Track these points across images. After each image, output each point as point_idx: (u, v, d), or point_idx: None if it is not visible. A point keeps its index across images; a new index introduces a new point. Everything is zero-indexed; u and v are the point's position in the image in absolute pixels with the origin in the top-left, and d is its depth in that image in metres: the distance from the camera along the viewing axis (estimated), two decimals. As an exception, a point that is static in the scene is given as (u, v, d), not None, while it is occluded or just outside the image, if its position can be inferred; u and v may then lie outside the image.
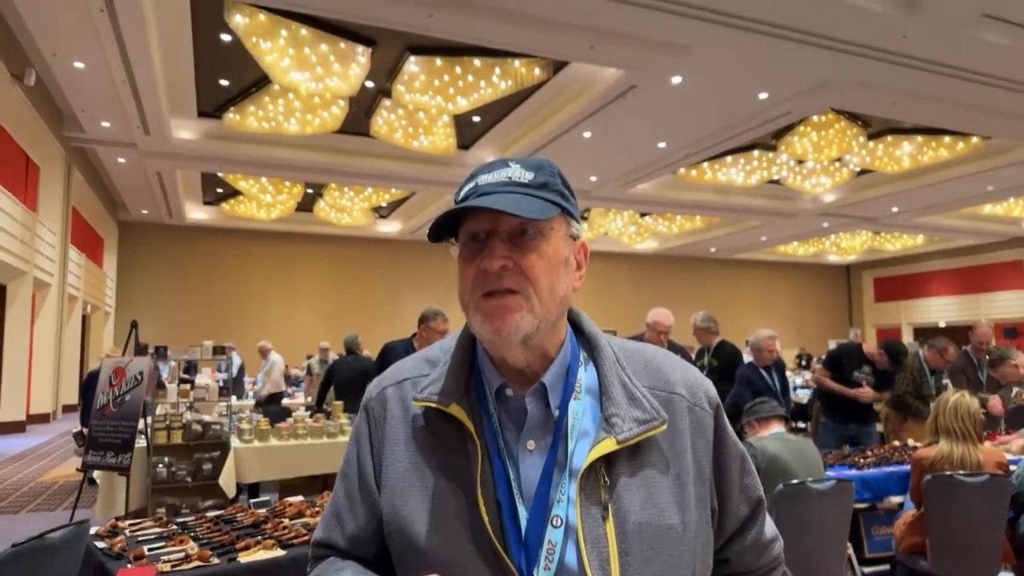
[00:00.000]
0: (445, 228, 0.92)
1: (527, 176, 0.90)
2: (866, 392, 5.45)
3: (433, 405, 0.91)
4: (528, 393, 0.90)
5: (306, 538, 2.59)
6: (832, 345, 18.63)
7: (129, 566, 2.31)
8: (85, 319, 17.96)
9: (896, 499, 4.16)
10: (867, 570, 3.88)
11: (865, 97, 9.67)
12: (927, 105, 9.92)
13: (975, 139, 12.32)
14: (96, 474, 5.52)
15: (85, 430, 5.74)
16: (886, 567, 3.89)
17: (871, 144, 12.32)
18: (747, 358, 5.98)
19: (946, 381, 6.16)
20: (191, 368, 11.20)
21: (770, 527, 1.04)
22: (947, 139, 12.33)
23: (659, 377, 0.94)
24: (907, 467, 3.94)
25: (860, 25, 7.69)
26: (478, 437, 0.88)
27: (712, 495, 0.94)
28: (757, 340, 5.49)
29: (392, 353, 4.79)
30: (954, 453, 3.35)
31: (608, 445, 0.85)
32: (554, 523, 0.85)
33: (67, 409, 15.13)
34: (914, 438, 5.27)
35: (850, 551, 3.44)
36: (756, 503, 1.01)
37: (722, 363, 5.76)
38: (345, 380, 6.79)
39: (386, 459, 0.95)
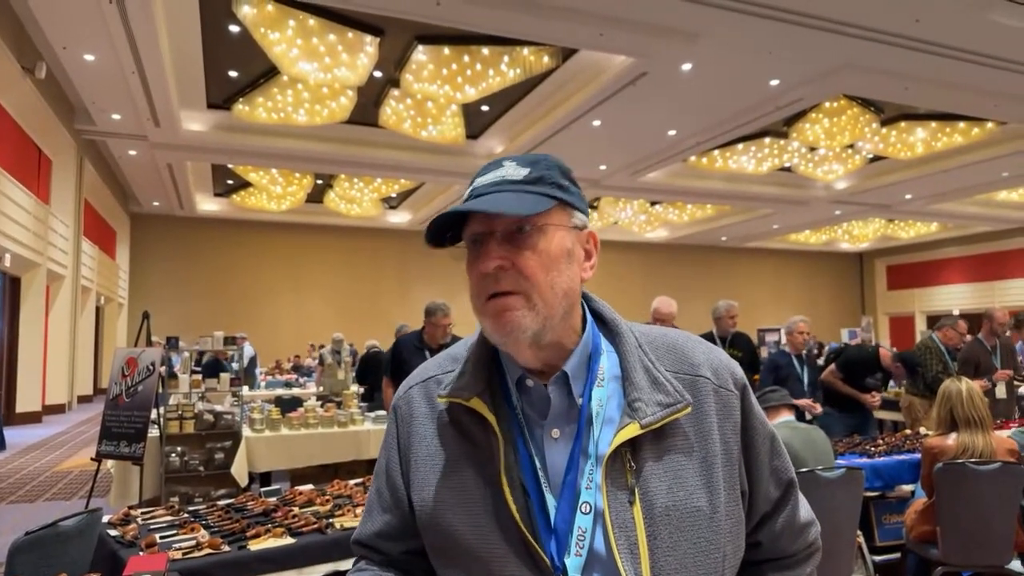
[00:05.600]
0: (446, 234, 0.92)
1: (521, 172, 0.90)
2: (876, 401, 5.55)
3: (455, 400, 0.92)
4: (551, 382, 0.91)
5: (315, 526, 2.61)
6: (844, 334, 18.52)
7: (141, 553, 2.33)
8: (99, 311, 18.13)
9: (907, 487, 4.14)
10: (877, 558, 3.86)
11: (878, 83, 9.56)
12: (941, 90, 9.80)
13: (990, 124, 12.16)
14: (110, 464, 5.58)
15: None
16: (897, 555, 3.87)
17: (884, 130, 12.18)
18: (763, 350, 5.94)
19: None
20: (203, 359, 11.26)
21: (805, 511, 1.03)
22: (961, 125, 12.18)
23: (683, 360, 0.94)
24: (918, 455, 3.92)
25: (872, 9, 7.59)
26: (500, 429, 0.89)
27: (742, 477, 0.93)
28: (789, 325, 5.53)
29: (402, 346, 4.87)
30: (977, 443, 3.31)
31: (632, 430, 0.85)
32: (583, 510, 0.85)
33: (82, 400, 15.30)
34: None
35: (860, 539, 3.42)
36: (787, 485, 0.99)
37: (747, 354, 5.69)
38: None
39: (414, 455, 0.96)
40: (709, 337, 5.78)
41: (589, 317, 0.96)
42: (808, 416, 5.18)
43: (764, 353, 10.47)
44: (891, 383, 7.33)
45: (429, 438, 0.95)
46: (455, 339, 4.78)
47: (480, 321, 0.90)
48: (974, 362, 6.02)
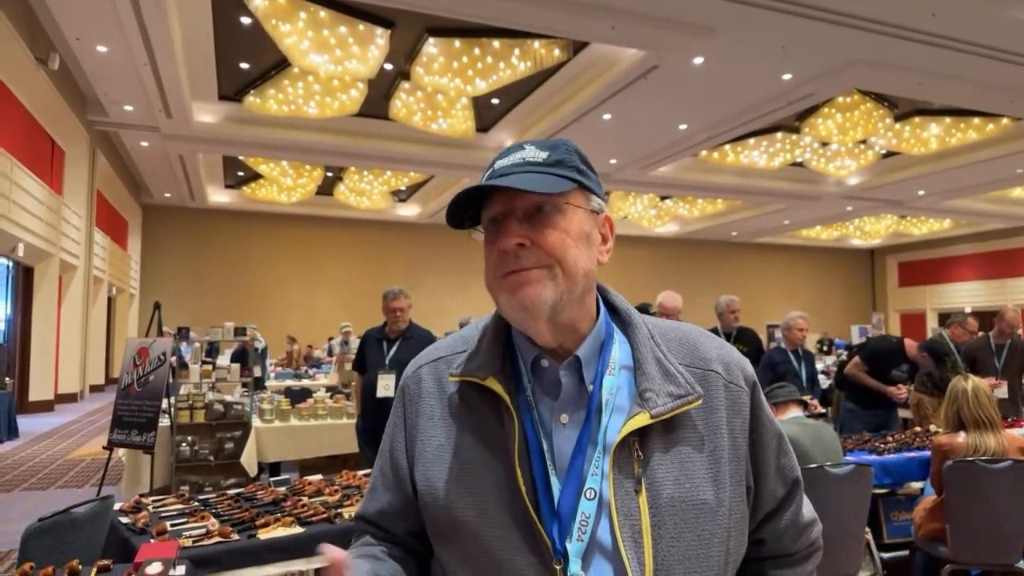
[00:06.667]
0: (465, 215, 0.93)
1: (541, 155, 0.90)
2: (902, 394, 5.32)
3: (470, 379, 0.92)
4: (563, 366, 0.91)
5: (324, 516, 2.62)
6: (855, 331, 18.39)
7: (152, 541, 2.36)
8: (110, 301, 18.26)
9: (916, 485, 4.12)
10: (886, 555, 3.85)
11: (892, 77, 9.47)
12: (956, 85, 9.70)
13: (1005, 120, 12.03)
14: (121, 452, 5.64)
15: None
16: (905, 553, 3.86)
17: (897, 126, 12.09)
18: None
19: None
20: (213, 350, 11.35)
21: (808, 510, 1.04)
22: (976, 120, 12.07)
23: (695, 354, 0.94)
24: (928, 453, 3.90)
25: (887, 4, 7.52)
26: (515, 409, 0.89)
27: (748, 473, 0.93)
28: (787, 320, 5.45)
29: (366, 338, 4.90)
30: (988, 443, 3.27)
31: (642, 419, 0.86)
32: (588, 495, 0.85)
33: (94, 389, 15.44)
34: None
35: (868, 536, 3.41)
36: (792, 484, 1.00)
37: (752, 349, 5.63)
38: None
39: (420, 434, 0.96)
40: (714, 333, 5.71)
41: (603, 306, 0.97)
42: (823, 410, 5.11)
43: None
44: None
45: (436, 418, 0.96)
46: (413, 327, 4.76)
47: (496, 297, 0.90)
48: (971, 358, 5.94)
